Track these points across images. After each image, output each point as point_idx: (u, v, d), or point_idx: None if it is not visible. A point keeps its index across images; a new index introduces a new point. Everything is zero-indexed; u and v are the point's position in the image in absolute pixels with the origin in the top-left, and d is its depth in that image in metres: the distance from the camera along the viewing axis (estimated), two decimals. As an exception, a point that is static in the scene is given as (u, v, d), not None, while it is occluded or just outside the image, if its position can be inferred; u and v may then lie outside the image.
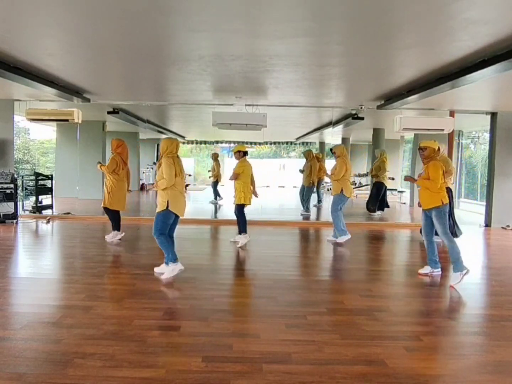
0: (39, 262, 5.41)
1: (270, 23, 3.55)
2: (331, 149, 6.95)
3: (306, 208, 10.04)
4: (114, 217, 6.47)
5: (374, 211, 9.88)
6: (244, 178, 6.34)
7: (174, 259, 4.55)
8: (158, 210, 4.52)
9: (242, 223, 6.45)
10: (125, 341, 2.98)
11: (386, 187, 9.95)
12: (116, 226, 6.50)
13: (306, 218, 9.69)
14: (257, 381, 2.49)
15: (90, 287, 4.19)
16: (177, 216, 4.59)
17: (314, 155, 10.32)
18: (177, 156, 4.57)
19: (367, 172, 11.79)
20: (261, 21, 3.50)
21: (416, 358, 2.86)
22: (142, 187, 14.84)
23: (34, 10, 3.30)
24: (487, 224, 8.76)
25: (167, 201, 4.43)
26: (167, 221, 4.53)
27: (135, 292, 4.10)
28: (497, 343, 3.13)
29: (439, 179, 4.51)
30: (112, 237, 6.47)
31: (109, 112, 8.85)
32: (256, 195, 6.54)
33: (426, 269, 4.88)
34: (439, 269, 4.87)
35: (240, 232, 6.43)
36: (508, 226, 8.50)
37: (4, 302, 3.77)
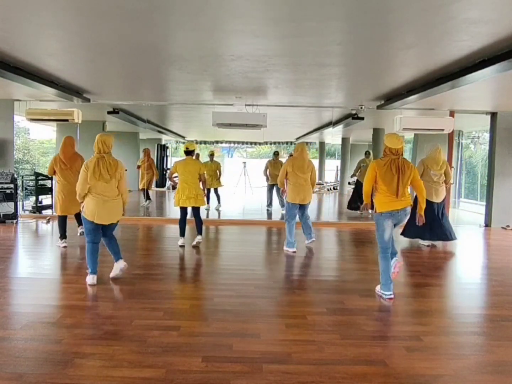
0: (39, 262, 5.41)
1: (270, 23, 3.55)
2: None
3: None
4: None
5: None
6: (183, 178, 6.13)
7: (92, 271, 4.27)
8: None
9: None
10: (125, 341, 2.99)
11: None
12: None
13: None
14: (257, 381, 2.49)
15: (90, 287, 4.19)
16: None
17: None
18: (103, 157, 4.21)
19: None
20: (261, 21, 3.50)
21: (416, 358, 2.86)
22: None
23: (34, 10, 3.30)
24: (487, 224, 8.75)
25: (83, 206, 4.27)
26: (88, 227, 4.27)
27: (135, 292, 4.10)
28: (497, 343, 3.14)
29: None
30: None
31: (109, 112, 8.85)
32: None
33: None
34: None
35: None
36: (508, 226, 8.50)
37: (4, 302, 3.77)
